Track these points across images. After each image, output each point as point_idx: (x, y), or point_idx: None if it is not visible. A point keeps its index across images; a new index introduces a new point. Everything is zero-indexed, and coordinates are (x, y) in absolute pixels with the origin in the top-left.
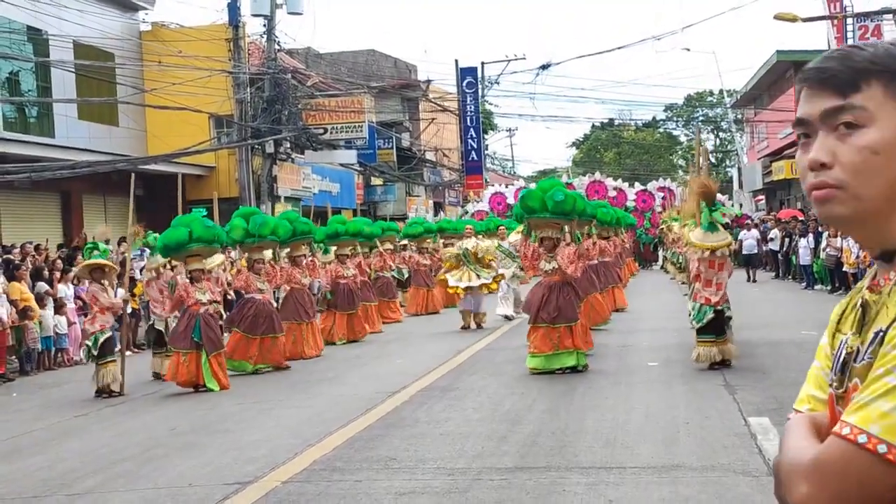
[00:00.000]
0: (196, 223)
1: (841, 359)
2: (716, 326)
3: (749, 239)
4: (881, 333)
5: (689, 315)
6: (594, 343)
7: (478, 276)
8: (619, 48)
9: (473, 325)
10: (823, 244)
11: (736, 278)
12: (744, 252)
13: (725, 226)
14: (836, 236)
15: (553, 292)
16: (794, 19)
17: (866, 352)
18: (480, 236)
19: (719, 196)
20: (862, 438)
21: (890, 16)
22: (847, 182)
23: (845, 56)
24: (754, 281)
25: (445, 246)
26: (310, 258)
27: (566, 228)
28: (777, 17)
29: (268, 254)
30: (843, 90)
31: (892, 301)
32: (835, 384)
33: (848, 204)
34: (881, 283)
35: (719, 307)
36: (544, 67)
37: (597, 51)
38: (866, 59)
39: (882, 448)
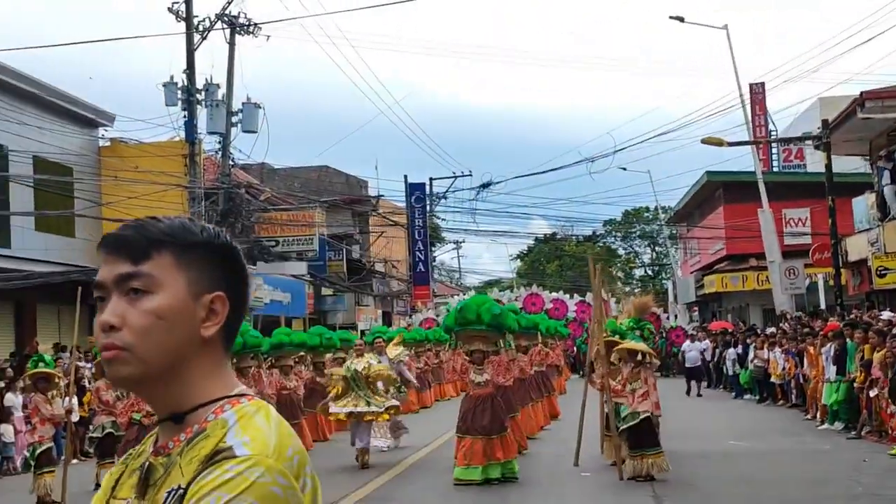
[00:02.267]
0: None
1: None
2: (648, 439)
3: (692, 351)
4: (179, 491)
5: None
6: (529, 452)
7: (367, 402)
8: (555, 169)
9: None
10: (751, 355)
11: (677, 390)
12: (686, 365)
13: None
14: (762, 348)
15: (484, 404)
16: (720, 143)
17: None
18: (374, 353)
19: (654, 309)
20: None
21: (810, 141)
22: (133, 344)
23: (142, 226)
24: (698, 395)
25: (333, 364)
26: (254, 369)
27: (500, 342)
28: (704, 142)
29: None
30: (136, 258)
31: (185, 461)
32: None
33: (134, 365)
34: (170, 446)
35: (646, 415)
36: (485, 186)
37: (535, 171)
38: (161, 230)
39: None
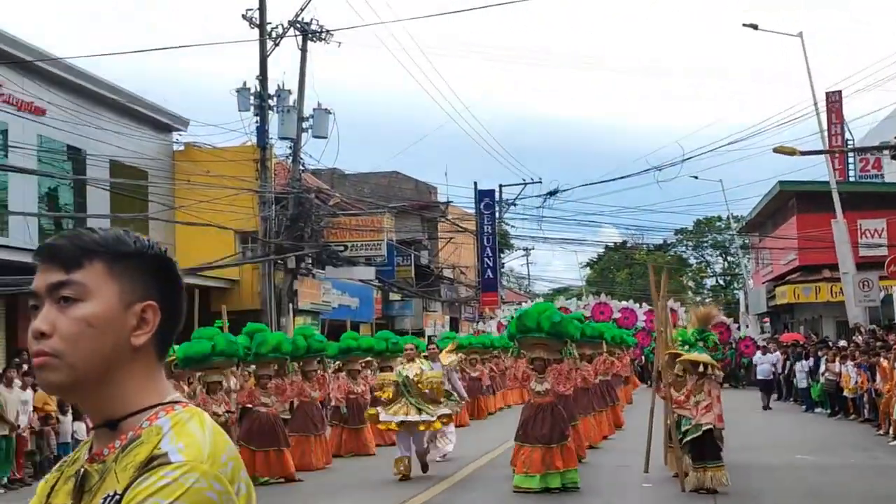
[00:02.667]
0: (219, 337)
1: None
2: (711, 452)
3: (763, 364)
4: (115, 497)
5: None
6: (591, 461)
7: (419, 410)
8: (623, 177)
9: (418, 471)
10: (822, 368)
11: (746, 402)
12: (758, 377)
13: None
14: (833, 361)
15: (544, 413)
16: (792, 153)
17: None
18: (425, 359)
19: (725, 318)
20: None
21: (887, 150)
22: (63, 351)
23: (76, 236)
24: (768, 408)
25: (382, 370)
26: (320, 373)
27: (562, 351)
28: (777, 151)
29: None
30: (68, 266)
31: (120, 467)
32: None
33: (63, 372)
34: (105, 452)
35: (709, 427)
36: (552, 194)
37: (603, 179)
38: (93, 240)
39: None
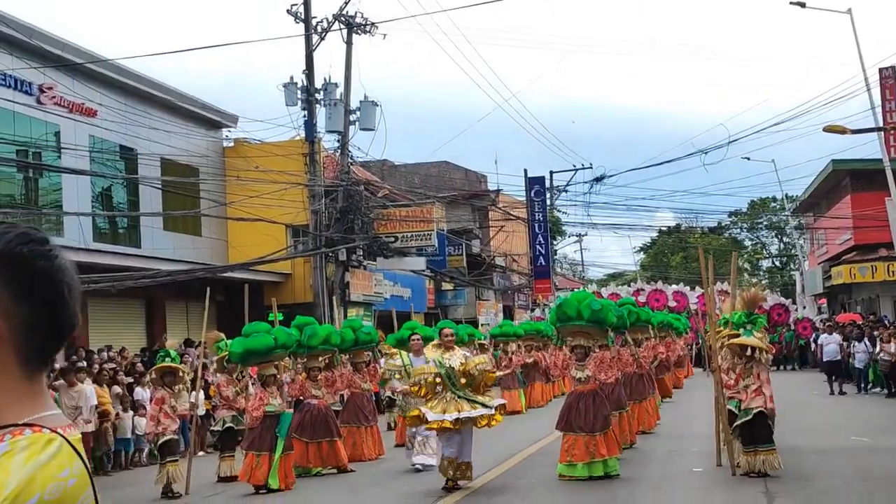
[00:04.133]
0: (278, 331)
1: None
2: (762, 435)
3: (831, 344)
4: None
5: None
6: (641, 447)
7: (471, 404)
8: (668, 161)
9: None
10: (877, 349)
11: (806, 384)
12: (825, 359)
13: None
14: (888, 341)
15: (586, 400)
16: (843, 131)
17: None
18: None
19: (783, 299)
20: None
21: None
22: None
23: None
24: (842, 393)
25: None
26: (371, 364)
27: (608, 337)
28: (827, 130)
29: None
30: None
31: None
32: None
33: None
34: None
35: (760, 410)
36: (598, 180)
37: (648, 163)
38: None
39: None
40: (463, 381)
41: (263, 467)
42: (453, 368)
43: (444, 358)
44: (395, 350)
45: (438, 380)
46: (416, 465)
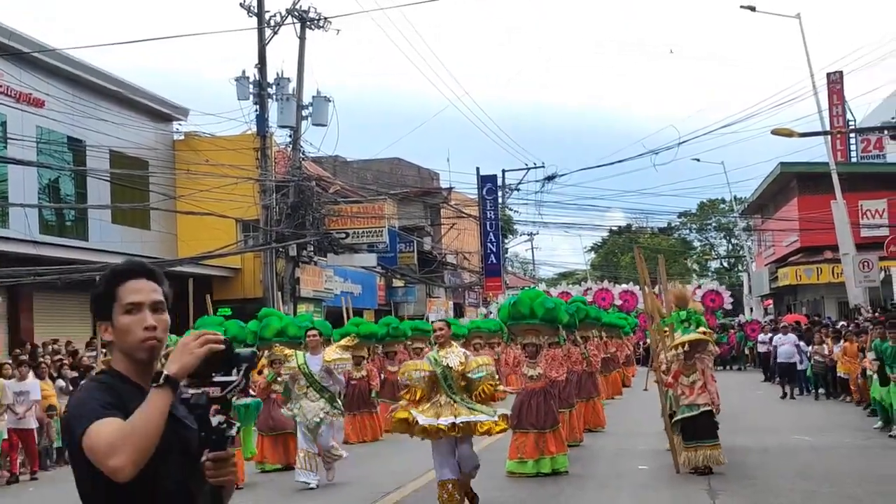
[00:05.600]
0: (230, 323)
1: None
2: (705, 430)
3: (786, 345)
4: None
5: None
6: (588, 445)
7: (470, 409)
8: (620, 161)
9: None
10: (812, 349)
11: (768, 396)
12: (779, 360)
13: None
14: (821, 343)
15: (536, 398)
16: (790, 134)
17: None
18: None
19: (714, 286)
20: None
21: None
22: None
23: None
24: (791, 398)
25: (406, 356)
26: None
27: (557, 337)
28: (774, 133)
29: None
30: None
31: None
32: None
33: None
34: None
35: (706, 408)
36: (549, 179)
37: (601, 163)
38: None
39: None
40: (462, 383)
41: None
42: (450, 368)
43: (440, 356)
44: (288, 351)
45: (425, 382)
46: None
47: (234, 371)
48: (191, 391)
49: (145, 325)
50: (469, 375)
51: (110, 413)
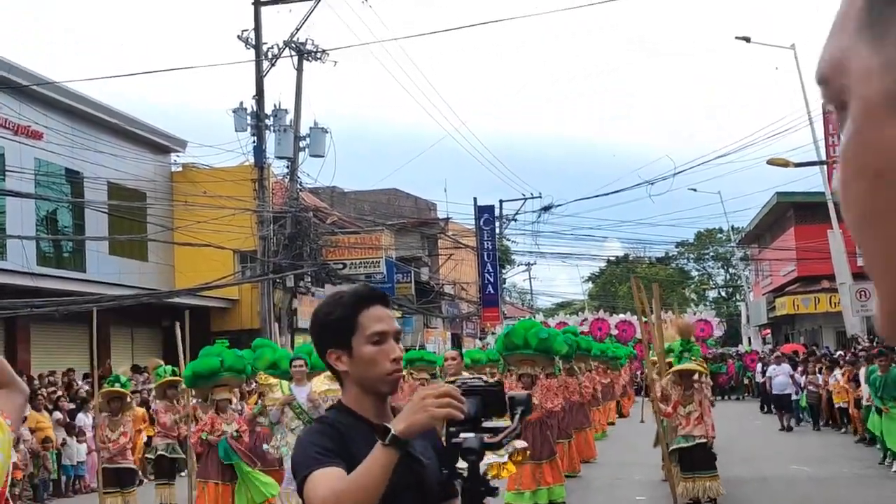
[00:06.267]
0: (227, 353)
1: None
2: (702, 461)
3: (780, 375)
4: None
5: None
6: (584, 475)
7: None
8: (616, 192)
9: None
10: (805, 379)
11: (766, 426)
12: (774, 392)
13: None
14: (814, 373)
15: (532, 429)
16: (786, 164)
17: None
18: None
19: (706, 316)
20: None
21: None
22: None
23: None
24: (789, 429)
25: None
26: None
27: (552, 367)
28: (770, 163)
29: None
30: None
31: None
32: None
33: None
34: None
35: (701, 440)
36: (546, 209)
37: (597, 193)
38: None
39: None
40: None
41: (225, 496)
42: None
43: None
44: (272, 380)
45: None
46: None
47: (509, 416)
48: (462, 435)
49: (393, 356)
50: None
51: (330, 461)
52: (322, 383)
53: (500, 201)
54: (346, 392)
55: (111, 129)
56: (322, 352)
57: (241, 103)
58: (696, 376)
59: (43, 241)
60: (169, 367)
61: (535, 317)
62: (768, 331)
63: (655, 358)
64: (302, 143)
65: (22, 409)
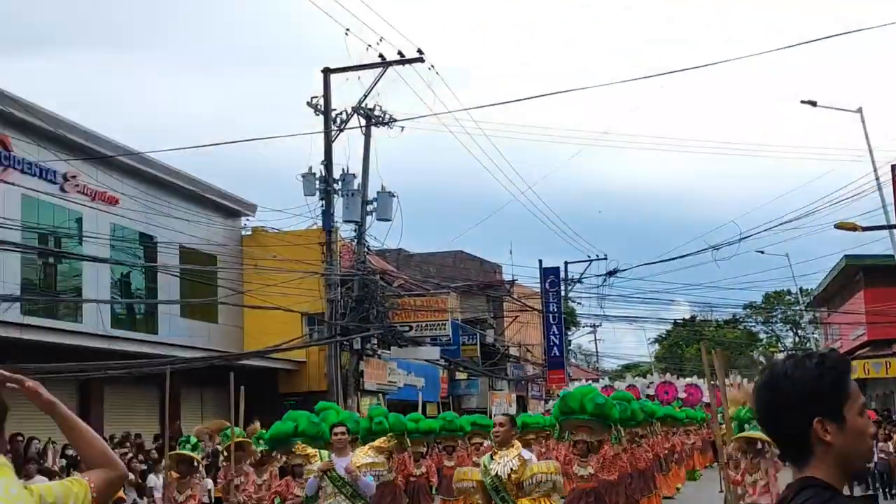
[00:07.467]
0: (302, 418)
1: None
2: None
3: None
4: None
5: None
6: None
7: None
8: (682, 256)
9: None
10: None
11: None
12: None
13: None
14: (885, 440)
15: (588, 498)
16: (854, 228)
17: None
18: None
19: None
20: None
21: None
22: None
23: None
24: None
25: (464, 451)
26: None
27: (610, 435)
28: (838, 227)
29: None
30: None
31: None
32: None
33: None
34: None
35: None
36: (611, 274)
37: (662, 258)
38: None
39: None
40: (518, 495)
41: None
42: (499, 478)
43: (493, 460)
44: (312, 451)
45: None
46: None
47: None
48: None
49: (871, 430)
50: (525, 487)
51: None
52: (364, 455)
53: (565, 263)
54: (824, 467)
55: (183, 193)
56: (803, 421)
57: (311, 168)
58: (758, 445)
59: (117, 304)
60: (238, 429)
61: (599, 380)
62: None
63: (724, 424)
64: (369, 207)
65: (113, 484)
